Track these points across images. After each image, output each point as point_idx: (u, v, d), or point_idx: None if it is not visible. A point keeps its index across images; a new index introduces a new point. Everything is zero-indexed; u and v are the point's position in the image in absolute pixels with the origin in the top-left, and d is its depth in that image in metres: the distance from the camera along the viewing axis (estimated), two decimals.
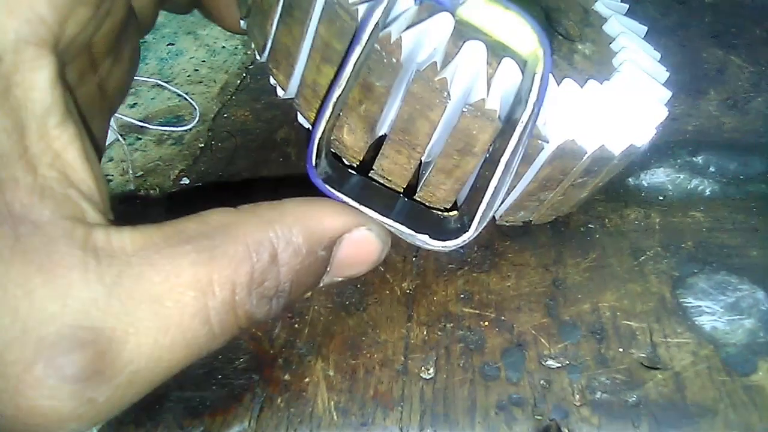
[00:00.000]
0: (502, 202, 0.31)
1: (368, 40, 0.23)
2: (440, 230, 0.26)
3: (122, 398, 0.18)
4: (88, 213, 0.18)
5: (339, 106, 0.25)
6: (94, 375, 0.17)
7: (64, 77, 0.19)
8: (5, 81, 0.17)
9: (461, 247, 0.27)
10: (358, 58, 0.23)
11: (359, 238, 0.22)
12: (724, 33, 0.52)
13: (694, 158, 0.41)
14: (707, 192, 0.39)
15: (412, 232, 0.24)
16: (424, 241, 0.24)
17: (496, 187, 0.24)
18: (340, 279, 0.23)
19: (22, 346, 0.16)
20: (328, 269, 0.22)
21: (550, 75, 0.28)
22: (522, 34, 0.24)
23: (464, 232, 0.24)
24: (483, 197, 0.24)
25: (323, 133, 0.24)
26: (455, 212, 0.27)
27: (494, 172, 0.23)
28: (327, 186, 0.23)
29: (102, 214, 0.18)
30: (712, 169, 0.40)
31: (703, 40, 0.52)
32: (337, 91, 0.23)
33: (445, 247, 0.24)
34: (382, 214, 0.23)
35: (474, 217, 0.24)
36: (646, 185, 0.39)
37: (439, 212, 0.28)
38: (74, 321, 0.16)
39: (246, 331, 0.20)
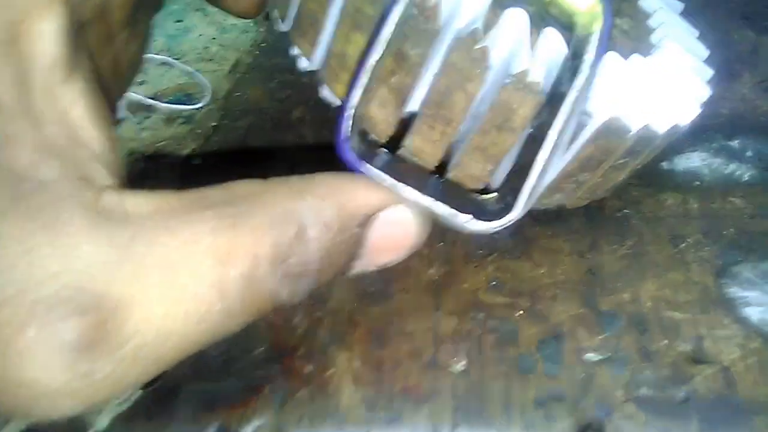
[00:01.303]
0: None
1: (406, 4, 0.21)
2: (480, 211, 0.24)
3: (125, 376, 0.16)
4: (99, 174, 0.16)
5: (374, 76, 0.23)
6: (93, 345, 0.15)
7: (75, 32, 0.17)
8: (13, 29, 0.16)
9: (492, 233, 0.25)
10: (396, 23, 0.21)
11: (396, 217, 0.21)
12: (755, 14, 0.51)
13: (729, 142, 0.39)
14: (746, 177, 0.37)
15: (455, 212, 0.21)
16: (464, 222, 0.22)
17: (545, 162, 0.22)
18: (372, 268, 0.21)
19: (15, 307, 0.14)
20: (360, 252, 0.20)
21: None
22: None
23: (507, 213, 0.22)
24: (530, 173, 0.22)
25: (354, 106, 0.22)
26: (494, 194, 0.26)
27: (542, 145, 0.21)
28: (360, 162, 0.21)
29: (115, 176, 0.17)
30: (749, 153, 0.38)
31: (733, 22, 0.50)
32: (374, 56, 0.21)
33: (489, 228, 0.22)
34: (421, 193, 0.21)
35: (518, 195, 0.22)
36: (681, 170, 0.37)
37: (477, 193, 0.26)
38: (76, 283, 0.15)
39: (266, 316, 0.18)
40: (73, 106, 0.16)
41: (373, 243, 0.20)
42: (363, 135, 0.26)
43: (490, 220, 0.22)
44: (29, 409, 0.15)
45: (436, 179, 0.26)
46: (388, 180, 0.21)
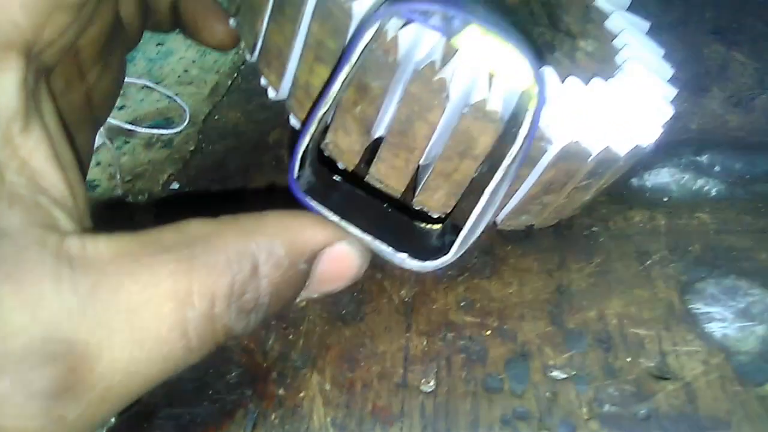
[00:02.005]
0: (500, 210, 0.30)
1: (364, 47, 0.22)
2: (423, 247, 0.25)
3: (94, 415, 0.17)
4: (61, 220, 0.17)
5: (338, 106, 0.24)
6: (66, 391, 0.16)
7: (36, 79, 0.18)
8: None
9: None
10: (351, 69, 0.22)
11: (339, 253, 0.22)
12: (726, 29, 0.51)
13: (698, 158, 0.40)
14: (713, 192, 0.38)
15: (391, 251, 0.23)
16: (402, 260, 0.23)
17: (479, 214, 0.23)
18: (315, 295, 0.23)
19: None
20: (307, 284, 0.22)
21: (555, 74, 0.27)
22: (517, 67, 0.23)
23: (444, 253, 0.23)
24: (466, 221, 0.23)
25: (308, 144, 0.23)
26: (439, 226, 0.26)
27: (477, 202, 0.22)
28: (308, 199, 0.22)
29: (76, 221, 0.17)
30: (717, 168, 0.39)
31: (704, 37, 0.51)
32: (322, 109, 0.22)
33: (424, 267, 0.23)
34: (363, 229, 0.22)
35: (455, 238, 0.23)
36: (650, 186, 0.38)
37: (427, 225, 0.26)
38: (45, 333, 0.15)
39: (224, 345, 0.19)
40: (33, 155, 0.17)
41: (318, 276, 0.22)
42: (327, 165, 0.26)
43: (426, 259, 0.23)
44: None
45: (389, 211, 0.27)
46: (334, 216, 0.22)
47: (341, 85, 0.22)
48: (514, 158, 0.22)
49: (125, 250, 0.17)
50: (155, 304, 0.17)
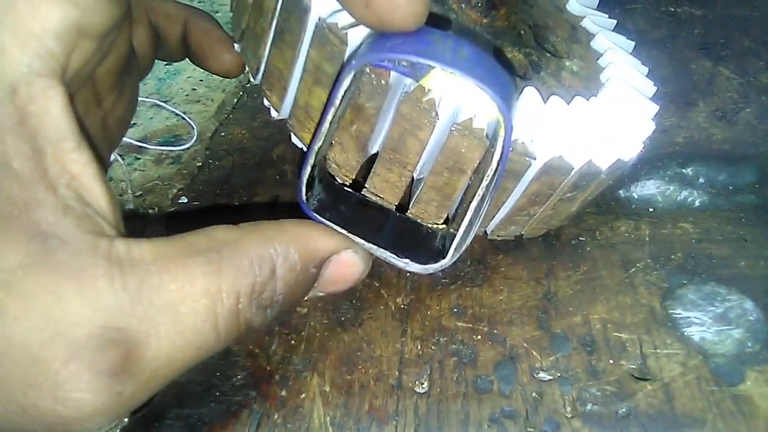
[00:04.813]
0: (489, 221, 0.32)
1: (354, 75, 0.24)
2: (425, 251, 0.27)
3: (142, 393, 0.20)
4: (106, 227, 0.20)
5: (335, 126, 0.26)
6: (122, 371, 0.19)
7: (73, 105, 0.20)
8: (21, 111, 0.19)
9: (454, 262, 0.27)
10: (341, 101, 0.24)
11: (345, 259, 0.25)
12: (714, 44, 0.53)
13: (683, 170, 0.41)
14: (697, 203, 0.39)
15: (394, 257, 0.26)
16: (406, 264, 0.26)
17: (468, 224, 0.25)
18: (321, 294, 0.26)
19: (56, 345, 0.18)
20: (315, 285, 0.25)
21: (537, 92, 0.29)
22: (483, 101, 0.25)
23: (442, 257, 0.26)
24: (459, 227, 0.25)
25: (312, 167, 0.25)
26: (444, 226, 0.28)
27: (466, 212, 0.25)
28: (317, 215, 0.25)
29: (116, 227, 0.20)
30: (701, 180, 0.41)
31: (692, 52, 0.53)
32: (329, 115, 0.24)
33: (425, 270, 0.26)
34: (368, 238, 0.25)
35: (451, 242, 0.26)
36: (636, 197, 0.40)
37: (429, 227, 0.28)
38: (104, 323, 0.18)
39: (243, 337, 0.23)
40: (81, 171, 0.20)
41: (325, 278, 0.25)
42: (328, 183, 0.28)
43: (427, 263, 0.26)
44: (73, 426, 0.19)
45: (394, 216, 0.28)
46: (340, 230, 0.25)
47: (330, 122, 0.25)
48: (491, 178, 0.24)
49: (164, 253, 0.20)
50: (191, 300, 0.20)
